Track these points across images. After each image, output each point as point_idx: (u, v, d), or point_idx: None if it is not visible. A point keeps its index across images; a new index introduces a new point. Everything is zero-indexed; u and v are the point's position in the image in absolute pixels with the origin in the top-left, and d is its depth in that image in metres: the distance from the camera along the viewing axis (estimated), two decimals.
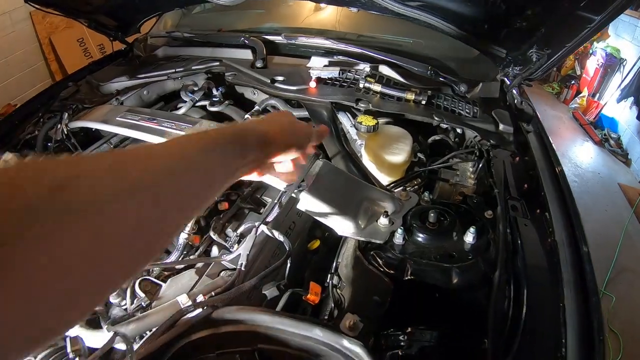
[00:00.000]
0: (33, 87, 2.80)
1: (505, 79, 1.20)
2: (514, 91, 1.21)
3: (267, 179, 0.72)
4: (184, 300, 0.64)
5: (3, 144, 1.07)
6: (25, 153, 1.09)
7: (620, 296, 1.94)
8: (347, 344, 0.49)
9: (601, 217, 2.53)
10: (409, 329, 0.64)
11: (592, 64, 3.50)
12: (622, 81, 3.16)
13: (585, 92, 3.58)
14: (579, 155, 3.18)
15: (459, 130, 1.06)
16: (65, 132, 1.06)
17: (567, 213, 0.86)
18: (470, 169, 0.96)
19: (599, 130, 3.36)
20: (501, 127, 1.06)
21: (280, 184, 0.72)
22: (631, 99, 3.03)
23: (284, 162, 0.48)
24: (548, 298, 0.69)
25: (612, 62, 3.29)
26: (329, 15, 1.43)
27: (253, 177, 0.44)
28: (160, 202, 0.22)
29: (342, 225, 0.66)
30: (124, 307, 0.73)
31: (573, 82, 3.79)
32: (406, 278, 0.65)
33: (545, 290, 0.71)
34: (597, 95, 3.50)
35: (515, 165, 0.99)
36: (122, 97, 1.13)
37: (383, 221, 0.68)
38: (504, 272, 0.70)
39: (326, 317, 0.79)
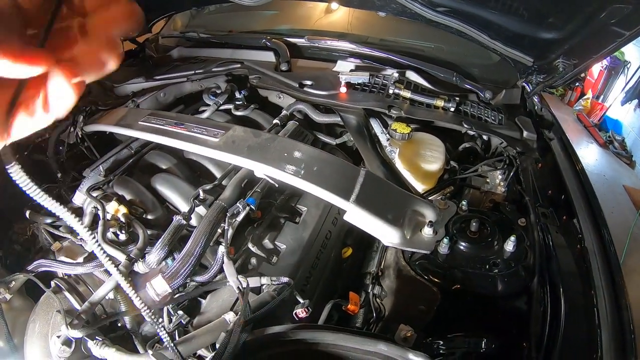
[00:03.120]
0: None
1: (526, 86, 1.27)
2: (535, 98, 1.28)
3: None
4: (231, 319, 0.65)
5: (10, 147, 1.05)
6: (37, 157, 1.08)
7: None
8: (412, 357, 0.53)
9: (607, 218, 2.64)
10: (449, 337, 0.69)
11: (596, 66, 3.67)
12: (627, 84, 3.33)
13: (589, 94, 3.75)
14: (584, 157, 3.33)
15: (485, 138, 1.12)
16: (80, 136, 1.06)
17: (594, 220, 0.93)
18: (500, 177, 1.01)
19: (603, 132, 3.53)
20: (525, 134, 1.12)
21: (319, 192, 0.71)
22: (635, 101, 3.20)
23: None
24: (581, 303, 0.75)
25: (616, 65, 3.46)
26: (341, 17, 1.47)
27: None
28: None
29: (388, 236, 0.70)
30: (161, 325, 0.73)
31: (577, 84, 3.95)
32: (454, 287, 0.69)
33: (579, 295, 0.77)
34: (601, 97, 3.68)
35: (538, 172, 1.06)
36: (139, 100, 1.14)
37: (427, 231, 0.73)
38: (542, 278, 0.75)
39: (358, 325, 0.83)
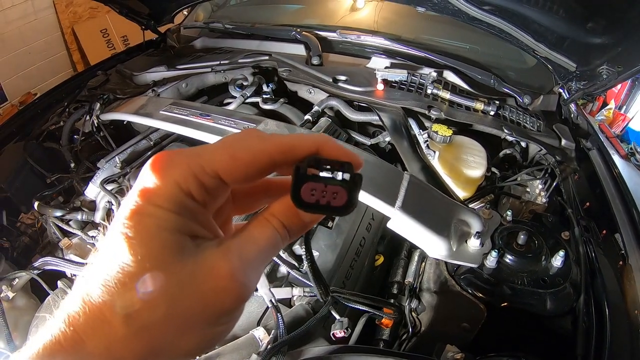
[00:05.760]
0: (54, 77, 2.88)
1: (563, 92, 1.26)
2: (572, 106, 1.28)
3: None
4: (261, 336, 0.61)
5: (23, 134, 1.04)
6: (49, 145, 1.06)
7: None
8: None
9: None
10: (487, 356, 0.67)
11: None
12: None
13: (611, 105, 3.75)
14: None
15: (523, 144, 1.11)
16: (96, 124, 1.04)
17: (637, 236, 0.92)
18: (540, 186, 1.00)
19: (625, 143, 3.53)
20: (563, 142, 1.12)
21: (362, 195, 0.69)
22: None
23: None
24: (626, 323, 0.74)
25: None
26: (366, 16, 1.46)
27: None
28: None
29: (435, 247, 0.68)
30: None
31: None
32: (503, 304, 0.68)
33: (622, 315, 0.75)
34: (624, 108, 3.68)
35: (576, 183, 1.05)
36: (159, 89, 1.12)
37: (474, 242, 0.71)
38: (587, 297, 0.74)
39: (384, 338, 0.81)
